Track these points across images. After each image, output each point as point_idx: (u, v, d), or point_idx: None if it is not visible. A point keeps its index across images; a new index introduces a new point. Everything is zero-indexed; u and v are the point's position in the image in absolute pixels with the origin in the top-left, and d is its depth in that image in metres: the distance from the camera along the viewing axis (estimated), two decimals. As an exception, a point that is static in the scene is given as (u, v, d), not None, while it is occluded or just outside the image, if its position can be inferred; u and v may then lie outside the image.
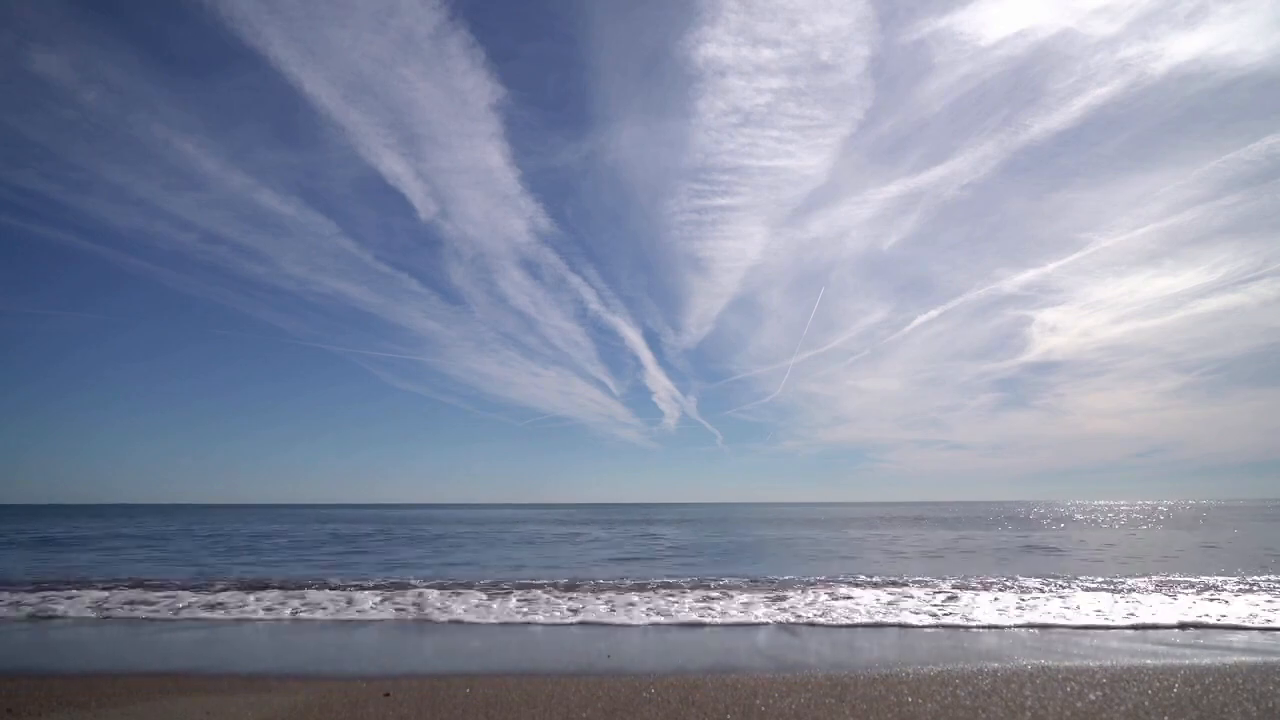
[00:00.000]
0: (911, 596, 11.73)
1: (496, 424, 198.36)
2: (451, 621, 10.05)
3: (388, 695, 6.03)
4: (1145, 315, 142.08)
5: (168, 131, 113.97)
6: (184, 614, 10.65)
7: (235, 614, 10.60)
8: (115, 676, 6.88)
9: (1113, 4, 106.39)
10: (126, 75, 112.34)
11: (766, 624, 9.76)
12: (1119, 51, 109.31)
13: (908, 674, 6.68)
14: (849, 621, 9.77)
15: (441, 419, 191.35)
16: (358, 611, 10.64)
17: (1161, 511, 70.93)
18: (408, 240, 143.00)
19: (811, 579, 14.31)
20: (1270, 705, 5.57)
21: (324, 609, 10.85)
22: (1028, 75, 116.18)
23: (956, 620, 9.71)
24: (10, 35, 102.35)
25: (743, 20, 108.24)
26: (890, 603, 11.15)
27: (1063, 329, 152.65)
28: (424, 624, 9.97)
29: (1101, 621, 9.49)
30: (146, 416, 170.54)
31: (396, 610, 10.76)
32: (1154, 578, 14.49)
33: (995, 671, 6.75)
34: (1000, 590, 12.59)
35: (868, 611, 10.35)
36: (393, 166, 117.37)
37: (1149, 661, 7.25)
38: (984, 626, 9.38)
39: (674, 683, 6.44)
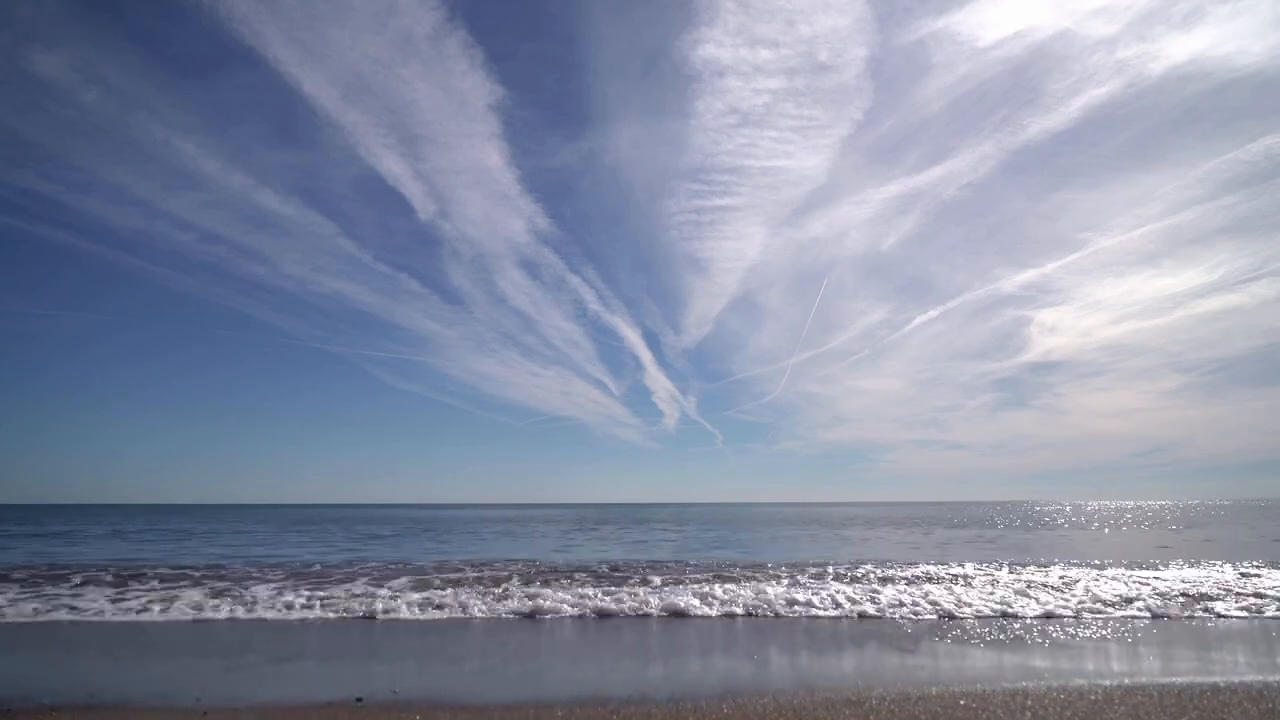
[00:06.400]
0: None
1: (496, 424, 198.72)
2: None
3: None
4: (1145, 315, 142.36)
5: (168, 131, 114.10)
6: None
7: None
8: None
9: (1110, 5, 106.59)
10: (126, 75, 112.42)
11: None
12: (1117, 52, 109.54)
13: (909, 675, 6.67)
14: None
15: (441, 419, 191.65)
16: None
17: (1156, 511, 70.95)
18: (407, 240, 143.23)
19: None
20: (1269, 706, 5.54)
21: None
22: (1026, 76, 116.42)
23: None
24: (10, 35, 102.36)
25: (741, 21, 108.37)
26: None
27: (1062, 329, 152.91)
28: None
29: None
30: (146, 416, 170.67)
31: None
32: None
33: (995, 673, 6.75)
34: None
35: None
36: (392, 166, 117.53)
37: (1147, 662, 7.23)
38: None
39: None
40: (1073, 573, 14.44)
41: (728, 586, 12.26)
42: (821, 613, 10.30)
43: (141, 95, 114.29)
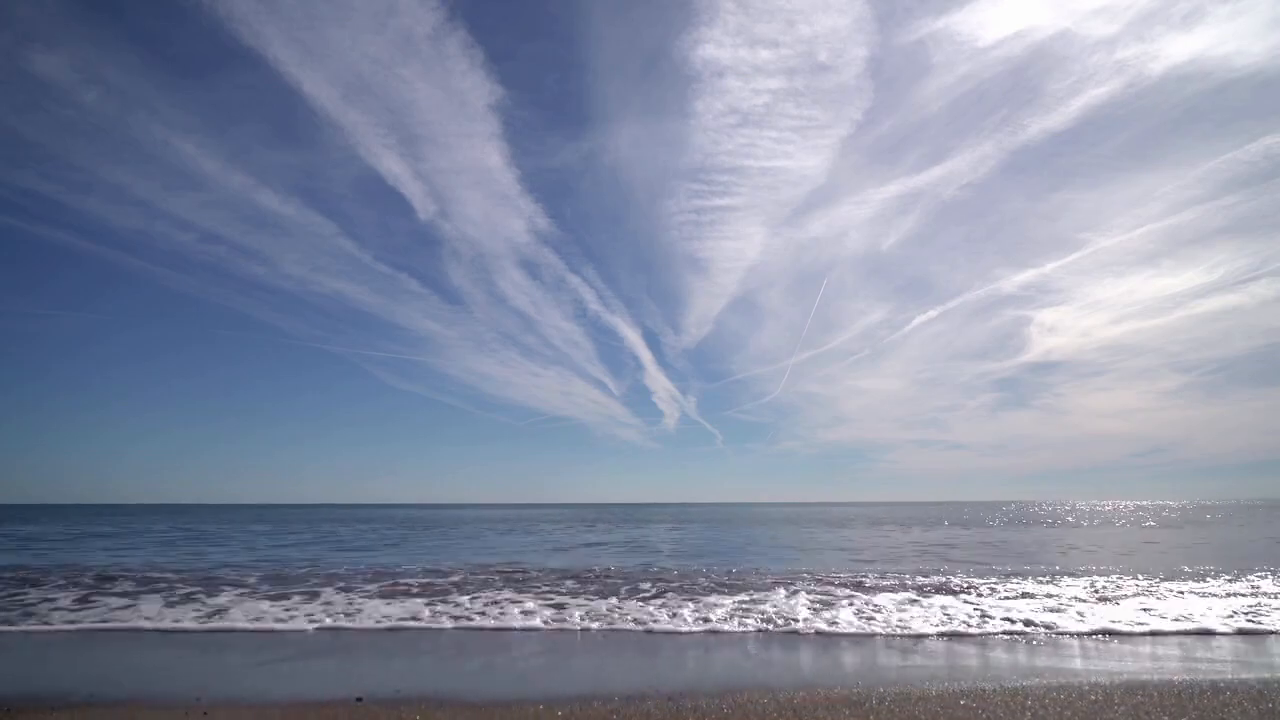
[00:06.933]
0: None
1: (496, 424, 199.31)
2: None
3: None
4: (1145, 315, 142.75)
5: (168, 131, 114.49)
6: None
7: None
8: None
9: (1110, 5, 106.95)
10: (126, 75, 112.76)
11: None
12: (1116, 52, 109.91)
13: (911, 677, 6.67)
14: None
15: (441, 419, 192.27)
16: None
17: (1154, 511, 70.84)
18: (407, 240, 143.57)
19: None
20: (1269, 706, 5.54)
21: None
22: (1026, 76, 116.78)
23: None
24: (10, 35, 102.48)
25: (740, 21, 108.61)
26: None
27: (1062, 329, 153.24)
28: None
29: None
30: (146, 416, 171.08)
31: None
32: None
33: (995, 674, 6.75)
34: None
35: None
36: (392, 166, 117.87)
37: (1147, 663, 7.24)
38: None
39: (671, 684, 6.41)
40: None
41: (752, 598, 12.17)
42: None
43: (141, 95, 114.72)
